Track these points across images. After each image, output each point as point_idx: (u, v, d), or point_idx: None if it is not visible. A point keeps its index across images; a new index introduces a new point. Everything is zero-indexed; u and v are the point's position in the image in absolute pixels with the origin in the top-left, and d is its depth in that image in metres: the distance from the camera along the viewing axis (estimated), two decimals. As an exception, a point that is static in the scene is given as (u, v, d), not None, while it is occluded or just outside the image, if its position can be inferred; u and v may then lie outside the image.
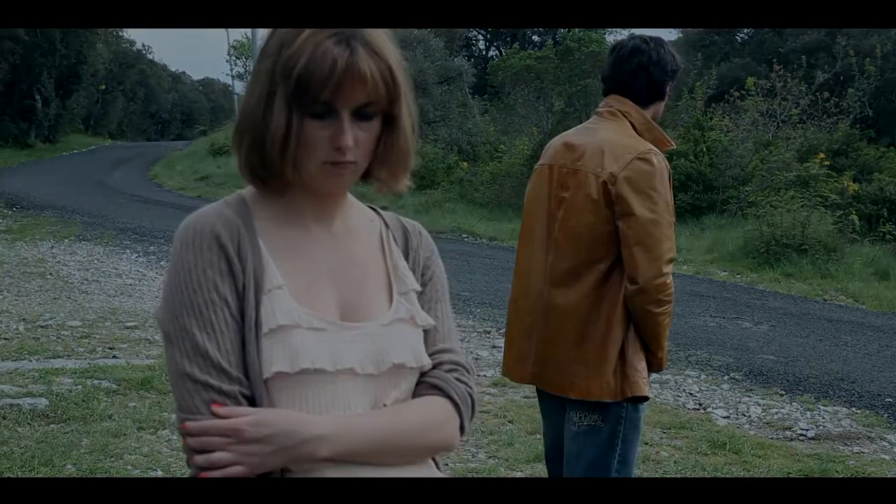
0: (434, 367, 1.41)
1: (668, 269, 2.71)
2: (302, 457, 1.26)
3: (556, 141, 2.95)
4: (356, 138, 1.30)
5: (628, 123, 2.82)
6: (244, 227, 1.33)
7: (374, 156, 1.35)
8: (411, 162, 1.39)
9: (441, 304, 1.47)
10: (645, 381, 2.77)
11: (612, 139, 2.78)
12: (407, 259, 1.46)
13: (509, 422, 5.35)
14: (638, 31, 2.97)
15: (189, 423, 1.26)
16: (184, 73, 65.15)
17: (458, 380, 1.41)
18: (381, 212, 1.50)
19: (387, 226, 1.48)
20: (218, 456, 1.24)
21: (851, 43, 19.45)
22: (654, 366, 2.82)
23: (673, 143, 2.92)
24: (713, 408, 5.87)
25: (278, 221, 1.37)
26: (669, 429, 5.33)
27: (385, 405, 1.35)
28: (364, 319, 1.36)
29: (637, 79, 2.83)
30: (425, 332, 1.42)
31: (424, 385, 1.40)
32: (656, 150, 2.76)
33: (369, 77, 1.26)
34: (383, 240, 1.45)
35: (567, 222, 2.80)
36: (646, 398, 2.79)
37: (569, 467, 2.92)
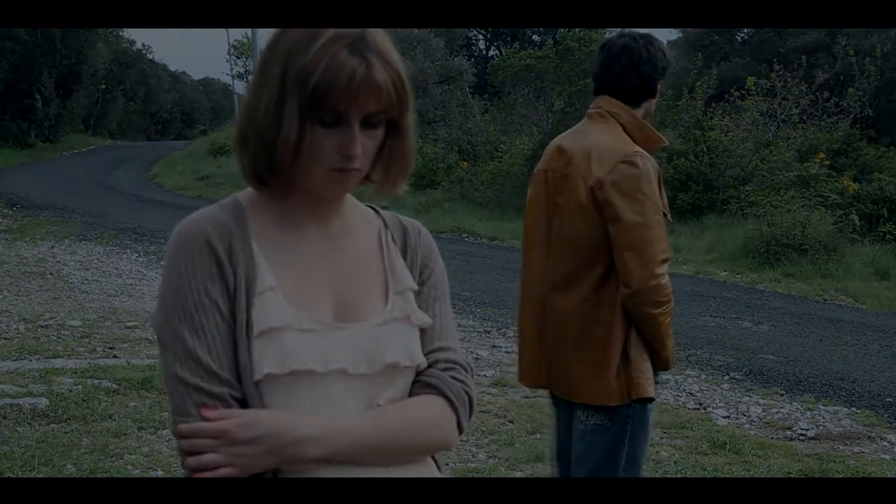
0: (430, 365, 1.40)
1: (662, 270, 2.70)
2: (291, 458, 1.26)
3: (552, 144, 2.95)
4: (363, 146, 1.30)
5: (618, 125, 2.80)
6: (237, 230, 1.33)
7: (376, 160, 1.36)
8: (411, 166, 1.40)
9: (439, 303, 1.46)
10: (649, 382, 2.76)
11: (599, 143, 2.77)
12: (405, 258, 1.45)
13: (509, 422, 5.36)
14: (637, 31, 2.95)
15: (180, 425, 1.27)
16: (184, 73, 65.17)
17: (454, 378, 1.40)
18: (381, 211, 1.49)
19: (385, 225, 1.47)
20: (208, 458, 1.25)
21: (851, 43, 19.45)
22: (659, 366, 2.82)
23: (665, 141, 2.90)
24: (713, 407, 5.87)
25: (274, 223, 1.37)
26: (669, 429, 5.33)
27: (379, 405, 1.34)
28: (359, 319, 1.36)
29: (627, 78, 2.81)
30: (422, 330, 1.41)
31: (420, 384, 1.39)
32: (642, 151, 2.74)
33: (384, 88, 1.27)
34: (381, 239, 1.45)
35: (562, 228, 2.81)
36: (651, 399, 2.79)
37: (576, 467, 2.92)
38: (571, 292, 2.79)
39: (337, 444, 1.28)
